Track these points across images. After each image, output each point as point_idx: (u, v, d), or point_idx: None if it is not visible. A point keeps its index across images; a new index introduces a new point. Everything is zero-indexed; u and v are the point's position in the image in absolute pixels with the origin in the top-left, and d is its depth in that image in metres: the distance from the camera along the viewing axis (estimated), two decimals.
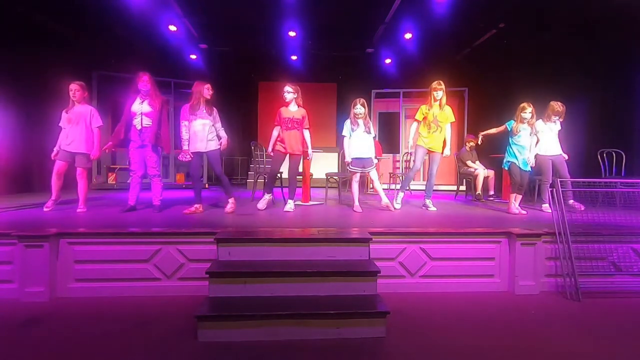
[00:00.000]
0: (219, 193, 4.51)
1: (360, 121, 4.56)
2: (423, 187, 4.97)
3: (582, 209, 3.94)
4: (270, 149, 4.69)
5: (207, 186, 7.94)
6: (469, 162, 6.30)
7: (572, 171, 5.00)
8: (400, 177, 7.42)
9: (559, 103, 4.67)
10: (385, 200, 4.70)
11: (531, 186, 5.29)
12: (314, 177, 5.83)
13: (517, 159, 4.40)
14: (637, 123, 5.42)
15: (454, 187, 7.12)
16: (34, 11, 6.14)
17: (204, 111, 4.15)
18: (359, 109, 4.54)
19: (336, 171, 6.96)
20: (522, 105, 4.39)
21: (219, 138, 4.30)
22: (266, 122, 8.66)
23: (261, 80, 10.02)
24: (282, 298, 2.57)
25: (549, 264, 3.29)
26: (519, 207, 4.46)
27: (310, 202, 5.36)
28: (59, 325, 2.53)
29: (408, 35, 7.66)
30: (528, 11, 6.36)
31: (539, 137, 4.52)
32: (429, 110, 4.69)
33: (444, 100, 4.70)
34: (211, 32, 7.91)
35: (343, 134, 4.66)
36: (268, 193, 4.67)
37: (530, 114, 4.35)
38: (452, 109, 4.87)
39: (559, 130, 4.78)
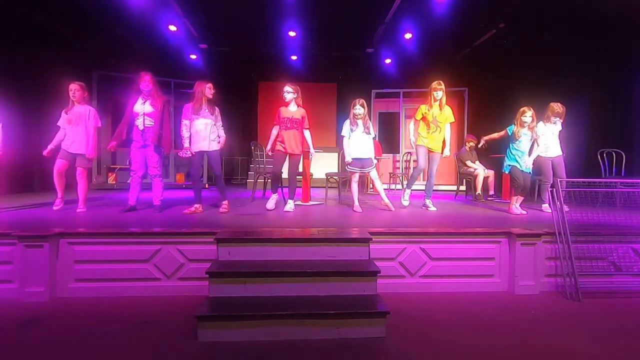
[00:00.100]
0: (218, 193, 4.52)
1: (360, 121, 4.56)
2: (423, 187, 4.97)
3: (567, 210, 3.88)
4: (269, 147, 4.70)
5: (206, 186, 7.94)
6: (468, 162, 6.30)
7: (572, 171, 5.00)
8: (400, 177, 7.43)
9: (559, 104, 4.66)
10: (385, 200, 4.70)
11: (531, 186, 5.29)
12: (314, 177, 5.83)
13: (517, 162, 4.39)
14: (637, 123, 5.41)
15: (454, 187, 7.12)
16: (34, 11, 6.15)
17: (206, 110, 4.16)
18: (359, 109, 4.54)
19: (336, 171, 6.95)
20: (522, 109, 4.36)
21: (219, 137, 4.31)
22: (266, 122, 8.64)
23: (261, 80, 10.02)
24: (282, 298, 2.57)
25: (549, 264, 3.29)
26: (519, 208, 4.47)
27: (310, 202, 5.36)
28: (59, 325, 2.53)
29: (408, 35, 7.67)
30: (528, 11, 6.36)
31: (539, 142, 4.48)
32: (428, 110, 4.69)
33: (444, 100, 4.69)
34: (211, 32, 7.91)
35: (342, 134, 4.67)
36: (274, 193, 4.68)
37: (531, 118, 4.32)
38: (452, 109, 4.87)
39: (560, 131, 4.78)
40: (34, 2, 5.95)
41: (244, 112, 10.16)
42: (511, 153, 4.46)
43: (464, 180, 6.65)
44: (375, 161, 4.69)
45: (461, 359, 2.16)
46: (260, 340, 2.32)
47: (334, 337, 2.36)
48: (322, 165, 8.00)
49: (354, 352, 2.22)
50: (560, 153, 4.74)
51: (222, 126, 4.35)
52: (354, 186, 4.73)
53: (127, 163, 7.35)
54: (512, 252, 3.25)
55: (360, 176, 4.75)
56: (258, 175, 5.61)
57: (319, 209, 4.91)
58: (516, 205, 4.45)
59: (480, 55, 8.11)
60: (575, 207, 3.73)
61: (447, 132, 4.79)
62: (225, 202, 4.39)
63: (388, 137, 8.65)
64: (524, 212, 4.45)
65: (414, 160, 5.58)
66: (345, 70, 9.65)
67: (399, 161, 8.32)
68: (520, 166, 4.37)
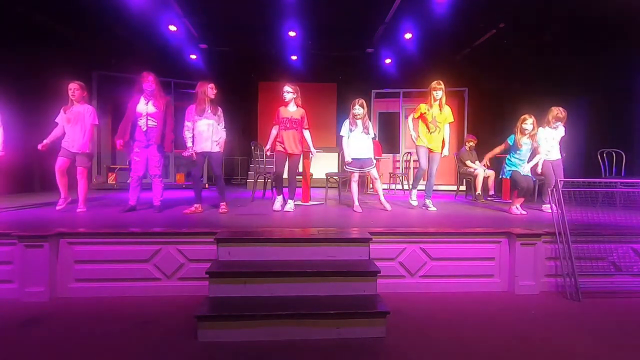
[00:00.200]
0: (217, 194, 4.52)
1: (359, 122, 4.57)
2: (423, 187, 4.98)
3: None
4: (268, 147, 4.70)
5: (207, 186, 7.94)
6: (468, 162, 6.30)
7: (573, 171, 5.00)
8: (400, 177, 7.43)
9: (561, 109, 4.63)
10: (382, 199, 4.75)
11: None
12: (314, 177, 5.84)
13: (517, 168, 4.40)
14: (637, 123, 5.41)
15: (454, 187, 7.12)
16: (34, 11, 6.14)
17: (209, 111, 4.17)
18: (358, 109, 4.54)
19: (336, 171, 6.96)
20: (522, 116, 4.33)
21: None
22: (266, 122, 8.64)
23: (261, 80, 10.03)
24: (282, 298, 2.57)
25: (549, 264, 3.29)
26: (520, 208, 4.47)
27: (310, 202, 5.36)
28: (59, 325, 2.53)
29: (408, 35, 7.67)
30: (528, 11, 6.36)
31: (540, 149, 4.44)
32: (428, 110, 4.69)
33: (443, 100, 4.69)
34: (211, 32, 7.91)
35: (341, 133, 4.68)
36: (279, 194, 4.67)
37: (532, 126, 4.29)
38: (452, 109, 4.87)
39: (562, 137, 4.76)
40: (34, 2, 5.95)
41: (244, 112, 10.16)
42: (511, 160, 4.46)
43: (464, 180, 6.65)
44: (374, 161, 4.70)
45: (461, 359, 2.16)
46: (260, 340, 2.32)
47: (334, 337, 2.36)
48: (322, 165, 8.01)
49: (354, 352, 2.22)
50: (559, 157, 4.75)
51: (224, 128, 4.35)
52: (354, 186, 4.74)
53: (127, 163, 7.36)
54: (512, 252, 3.25)
55: (360, 176, 4.76)
56: (258, 175, 5.61)
57: (319, 209, 4.91)
58: (517, 206, 4.46)
59: (480, 55, 8.11)
60: (575, 207, 3.73)
61: (446, 132, 4.79)
62: (224, 203, 4.40)
63: (388, 137, 8.65)
64: (524, 212, 4.45)
65: (414, 160, 5.57)
66: (345, 70, 9.65)
67: (399, 161, 8.32)
68: (521, 171, 4.37)
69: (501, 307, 2.93)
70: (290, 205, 4.57)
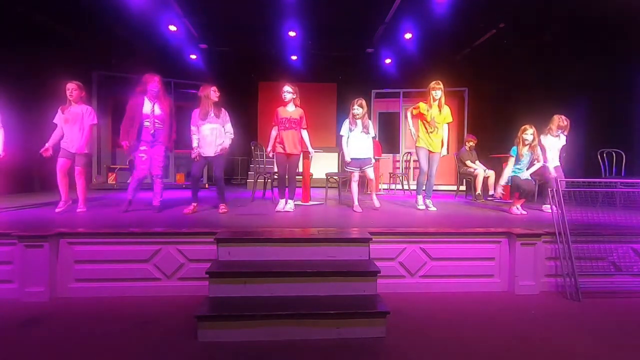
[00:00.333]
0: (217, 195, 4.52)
1: (359, 121, 4.57)
2: (423, 187, 4.97)
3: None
4: (269, 149, 4.70)
5: (207, 186, 7.94)
6: (468, 162, 6.30)
7: (573, 171, 5.00)
8: (400, 177, 7.43)
9: (563, 117, 4.63)
10: (374, 198, 4.82)
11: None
12: (314, 177, 5.83)
13: (517, 174, 4.42)
14: (637, 123, 5.41)
15: (454, 187, 7.12)
16: (34, 11, 6.15)
17: (212, 115, 4.17)
18: (357, 109, 4.55)
19: (336, 171, 6.96)
20: (523, 127, 4.35)
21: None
22: (266, 122, 8.65)
23: (261, 80, 10.02)
24: (282, 298, 2.57)
25: (549, 264, 3.29)
26: (520, 208, 4.47)
27: (310, 202, 5.36)
28: (59, 325, 2.53)
29: (408, 35, 7.67)
30: (528, 11, 6.36)
31: (541, 159, 4.44)
32: (427, 111, 4.68)
33: (442, 100, 4.69)
34: (211, 32, 7.92)
35: (341, 133, 4.68)
36: (281, 197, 4.65)
37: (532, 136, 4.30)
38: (451, 109, 4.87)
39: (563, 146, 4.76)
40: (34, 2, 5.96)
41: (244, 112, 10.13)
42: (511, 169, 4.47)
43: (464, 180, 6.64)
44: (373, 160, 4.70)
45: (461, 359, 2.16)
46: (260, 340, 2.32)
47: (334, 337, 2.36)
48: (322, 165, 8.01)
49: (354, 352, 2.22)
50: (558, 164, 4.76)
51: (231, 131, 4.34)
52: (354, 186, 4.74)
53: (127, 163, 7.36)
54: (512, 252, 3.25)
55: (360, 176, 4.76)
56: (258, 175, 5.61)
57: (319, 209, 4.91)
58: (517, 206, 4.46)
59: (480, 55, 8.11)
60: (575, 207, 3.74)
61: (445, 132, 4.79)
62: (224, 204, 4.39)
63: (388, 137, 8.66)
64: (524, 212, 4.45)
65: (414, 160, 5.57)
66: (345, 70, 9.66)
67: (399, 161, 8.32)
68: (520, 176, 4.39)
69: (501, 307, 2.93)
70: (290, 205, 4.56)
